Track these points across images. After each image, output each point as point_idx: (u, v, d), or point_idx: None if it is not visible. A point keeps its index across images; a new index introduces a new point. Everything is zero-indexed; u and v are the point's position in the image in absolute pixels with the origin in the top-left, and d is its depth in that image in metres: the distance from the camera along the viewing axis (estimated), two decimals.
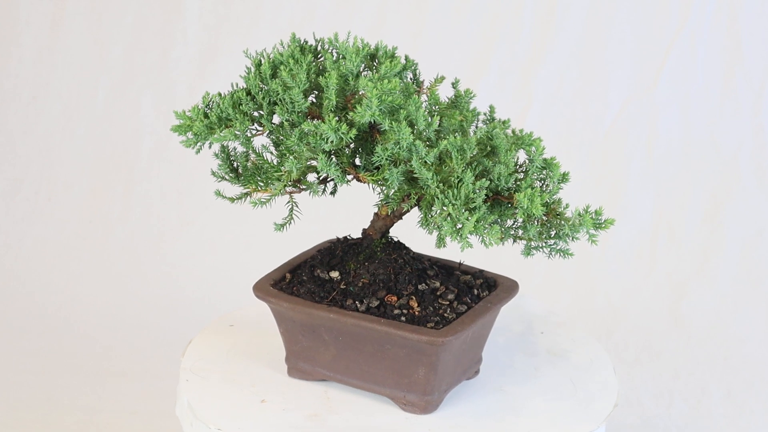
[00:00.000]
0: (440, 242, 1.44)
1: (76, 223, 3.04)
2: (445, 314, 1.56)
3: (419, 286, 1.59)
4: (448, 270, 1.69)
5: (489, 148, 1.48)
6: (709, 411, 2.55)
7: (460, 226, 1.41)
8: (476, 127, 1.58)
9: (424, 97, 1.58)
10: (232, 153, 1.63)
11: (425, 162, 1.44)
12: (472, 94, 1.59)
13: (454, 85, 1.61)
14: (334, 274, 1.63)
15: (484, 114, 1.61)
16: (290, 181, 1.54)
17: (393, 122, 1.44)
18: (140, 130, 3.11)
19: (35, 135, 3.13)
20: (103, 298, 2.87)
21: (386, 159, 1.47)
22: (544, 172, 1.48)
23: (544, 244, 1.50)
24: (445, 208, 1.43)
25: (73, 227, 3.04)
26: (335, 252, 1.67)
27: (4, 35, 3.15)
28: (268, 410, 1.62)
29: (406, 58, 1.60)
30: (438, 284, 1.60)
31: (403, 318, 1.55)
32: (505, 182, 1.46)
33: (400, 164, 1.47)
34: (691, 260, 2.90)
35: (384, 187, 1.52)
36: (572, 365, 1.72)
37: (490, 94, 2.98)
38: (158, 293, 2.89)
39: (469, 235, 1.42)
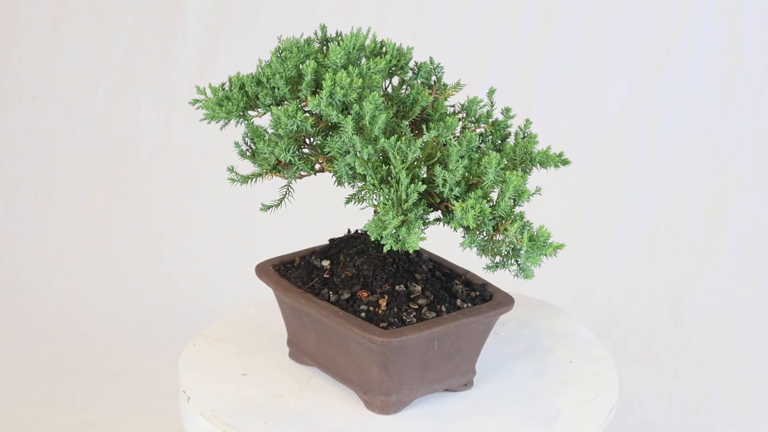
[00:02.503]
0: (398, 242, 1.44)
1: (76, 223, 3.04)
2: (405, 318, 1.54)
3: (396, 287, 1.58)
4: (448, 277, 1.66)
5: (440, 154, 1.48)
6: (709, 411, 2.55)
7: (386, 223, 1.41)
8: (496, 138, 1.57)
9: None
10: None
11: (362, 158, 1.46)
12: (480, 102, 1.59)
13: (489, 95, 1.60)
14: (325, 263, 1.64)
15: (519, 128, 1.59)
16: (271, 164, 1.56)
17: (339, 115, 1.46)
18: (140, 130, 3.11)
19: (35, 135, 3.13)
20: (103, 298, 2.87)
21: (336, 150, 1.49)
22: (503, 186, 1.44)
23: (513, 262, 1.46)
24: (377, 204, 1.44)
25: (73, 227, 3.04)
26: (338, 243, 1.68)
27: (4, 35, 3.15)
28: (240, 383, 1.65)
29: (431, 60, 1.61)
30: (419, 288, 1.59)
31: (362, 314, 1.55)
32: (450, 190, 1.44)
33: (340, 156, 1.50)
34: (691, 260, 2.90)
35: (340, 178, 1.54)
36: (572, 398, 1.64)
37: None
38: (158, 293, 2.89)
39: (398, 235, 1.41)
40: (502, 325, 1.83)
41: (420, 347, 1.53)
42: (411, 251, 1.50)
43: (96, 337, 2.75)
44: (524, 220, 1.44)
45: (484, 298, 1.62)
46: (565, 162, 1.56)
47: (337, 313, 1.54)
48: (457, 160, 1.44)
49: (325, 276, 1.62)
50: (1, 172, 3.12)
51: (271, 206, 1.62)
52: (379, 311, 1.55)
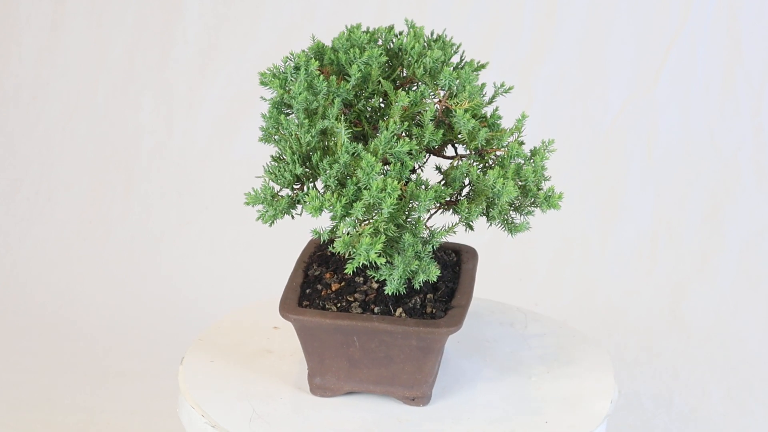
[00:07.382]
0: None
1: (76, 223, 3.04)
2: (328, 305, 1.55)
3: (356, 278, 1.59)
4: (433, 287, 1.60)
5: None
6: (709, 411, 2.55)
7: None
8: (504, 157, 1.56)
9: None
10: None
11: (269, 130, 1.51)
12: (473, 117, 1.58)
13: (520, 121, 1.58)
14: None
15: (534, 159, 1.56)
16: None
17: (280, 91, 1.49)
18: (140, 130, 3.11)
19: (35, 135, 3.13)
20: (103, 298, 2.87)
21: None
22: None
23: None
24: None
25: (73, 227, 3.04)
26: None
27: (4, 35, 3.15)
28: (255, 331, 1.75)
29: (463, 75, 1.60)
30: (374, 286, 1.57)
31: (308, 290, 1.58)
32: (327, 179, 1.46)
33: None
34: (691, 260, 2.90)
35: None
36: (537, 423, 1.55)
37: (489, 94, 2.98)
38: (158, 293, 2.89)
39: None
40: (545, 366, 1.70)
41: (333, 337, 1.53)
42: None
43: (96, 337, 2.75)
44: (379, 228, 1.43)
45: (433, 315, 1.55)
46: (554, 206, 1.52)
47: (290, 283, 1.59)
48: (340, 156, 1.46)
49: (327, 253, 1.66)
50: (1, 172, 3.12)
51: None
52: (324, 293, 1.58)
